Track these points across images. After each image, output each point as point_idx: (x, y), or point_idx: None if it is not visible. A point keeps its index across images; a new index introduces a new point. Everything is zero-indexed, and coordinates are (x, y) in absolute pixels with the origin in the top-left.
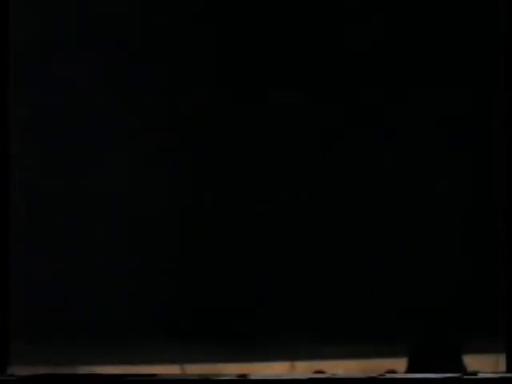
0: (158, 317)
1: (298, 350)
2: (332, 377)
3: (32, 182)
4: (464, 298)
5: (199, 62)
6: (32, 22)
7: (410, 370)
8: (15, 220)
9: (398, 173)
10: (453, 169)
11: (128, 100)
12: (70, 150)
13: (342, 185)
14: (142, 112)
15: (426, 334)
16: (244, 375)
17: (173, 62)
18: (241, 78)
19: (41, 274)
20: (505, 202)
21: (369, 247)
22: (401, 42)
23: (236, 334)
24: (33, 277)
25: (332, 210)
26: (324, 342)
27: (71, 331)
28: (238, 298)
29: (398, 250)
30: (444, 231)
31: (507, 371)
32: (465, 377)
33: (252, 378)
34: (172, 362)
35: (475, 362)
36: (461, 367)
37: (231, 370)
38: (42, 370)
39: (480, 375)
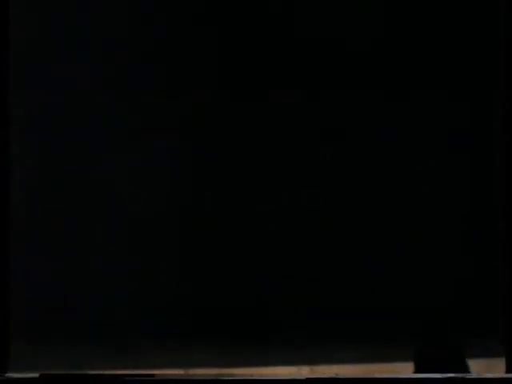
0: (158, 317)
1: (298, 350)
2: (332, 377)
3: (32, 181)
4: (464, 298)
5: (199, 61)
6: (32, 22)
7: (411, 370)
8: (15, 220)
9: (398, 173)
10: (453, 169)
11: (128, 100)
12: (69, 149)
13: (342, 185)
14: (142, 112)
15: (427, 334)
16: (244, 375)
17: (173, 62)
18: (241, 77)
19: (41, 274)
20: (505, 201)
21: (369, 247)
22: (401, 42)
23: (236, 333)
24: (33, 277)
25: (332, 210)
26: (323, 342)
27: (71, 331)
28: (237, 297)
29: (398, 249)
30: (444, 231)
31: (507, 372)
32: (466, 377)
33: (252, 378)
34: (172, 362)
35: (475, 362)
36: (462, 367)
37: (231, 369)
38: (42, 370)
39: (480, 375)
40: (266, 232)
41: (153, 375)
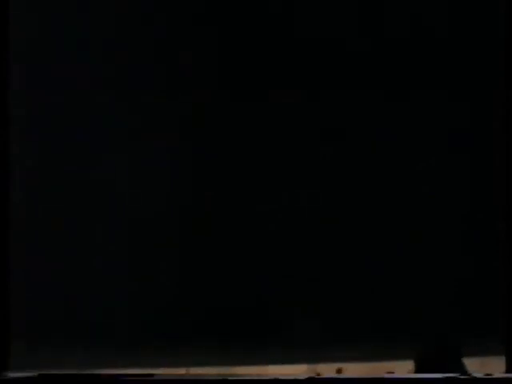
0: (158, 317)
1: (298, 349)
2: (332, 377)
3: (32, 181)
4: (464, 298)
5: (199, 61)
6: (32, 22)
7: (411, 370)
8: (15, 220)
9: (397, 173)
10: (453, 169)
11: (128, 100)
12: (69, 149)
13: (342, 185)
14: (142, 112)
15: (427, 334)
16: (244, 375)
17: (173, 62)
18: (241, 78)
19: (41, 274)
20: (505, 201)
21: (369, 247)
22: (401, 42)
23: (236, 333)
24: (33, 277)
25: (332, 210)
26: (322, 341)
27: (71, 331)
28: (237, 297)
29: (398, 249)
30: (444, 231)
31: (507, 371)
32: (465, 377)
33: (252, 378)
34: (172, 361)
35: (475, 362)
36: (461, 367)
37: (231, 369)
38: (42, 369)
39: (480, 375)
40: (266, 232)
41: (153, 375)
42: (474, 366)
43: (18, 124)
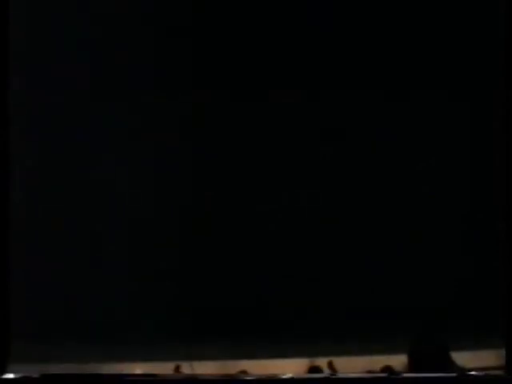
0: (158, 316)
1: (298, 349)
2: (332, 376)
3: (32, 181)
4: (464, 298)
5: (199, 61)
6: (32, 22)
7: (407, 369)
8: (15, 220)
9: (397, 173)
10: (453, 169)
11: (128, 100)
12: (69, 149)
13: (342, 185)
14: (142, 112)
15: (423, 333)
16: (243, 375)
17: (173, 62)
18: (241, 78)
19: (41, 274)
20: (505, 201)
21: (369, 247)
22: (401, 42)
23: (236, 333)
24: (33, 277)
25: (332, 210)
26: (322, 341)
27: (71, 330)
28: (237, 297)
29: (398, 249)
30: (444, 231)
31: (507, 371)
32: (463, 376)
33: (252, 378)
34: (172, 361)
35: (475, 361)
36: (453, 366)
37: (231, 369)
38: (42, 369)
39: (478, 374)
40: (265, 232)
41: (153, 375)
42: (473, 363)
43: (18, 124)
